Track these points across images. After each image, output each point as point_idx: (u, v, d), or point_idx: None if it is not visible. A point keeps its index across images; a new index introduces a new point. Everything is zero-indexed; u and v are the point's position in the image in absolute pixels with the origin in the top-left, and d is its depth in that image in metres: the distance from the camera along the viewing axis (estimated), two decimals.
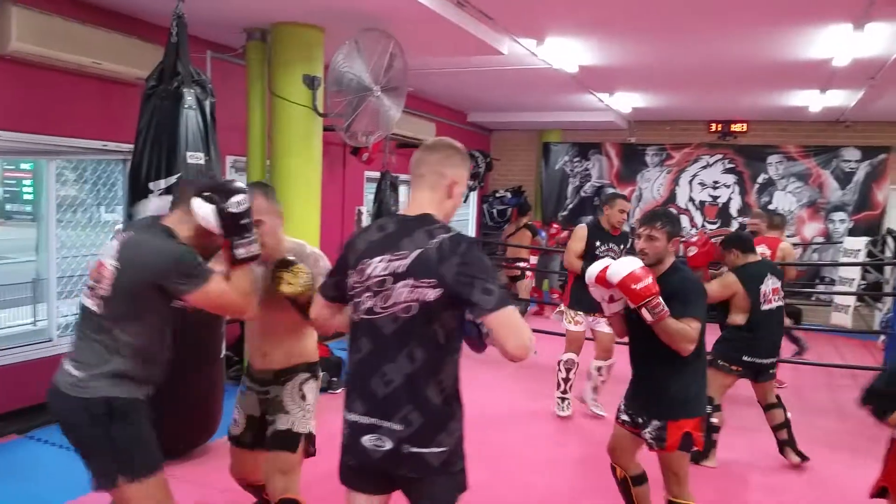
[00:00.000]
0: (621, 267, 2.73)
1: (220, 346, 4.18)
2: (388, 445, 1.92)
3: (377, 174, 7.51)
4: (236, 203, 2.21)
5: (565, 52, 6.11)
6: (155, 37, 4.82)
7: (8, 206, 13.97)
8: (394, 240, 1.96)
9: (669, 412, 2.81)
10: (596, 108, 9.15)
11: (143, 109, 3.89)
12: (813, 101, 8.10)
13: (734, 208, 10.25)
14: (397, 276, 1.92)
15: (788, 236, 9.77)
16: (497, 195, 11.09)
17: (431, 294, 1.88)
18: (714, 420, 4.21)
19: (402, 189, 7.59)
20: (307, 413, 2.76)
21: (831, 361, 7.06)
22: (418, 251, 1.91)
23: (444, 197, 2.05)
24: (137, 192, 3.82)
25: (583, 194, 10.96)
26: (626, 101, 8.86)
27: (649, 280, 2.69)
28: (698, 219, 10.40)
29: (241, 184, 2.32)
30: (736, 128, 10.15)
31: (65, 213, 5.07)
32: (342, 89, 4.84)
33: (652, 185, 10.64)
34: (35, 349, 4.70)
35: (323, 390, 5.37)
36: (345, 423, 2.03)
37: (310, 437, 2.79)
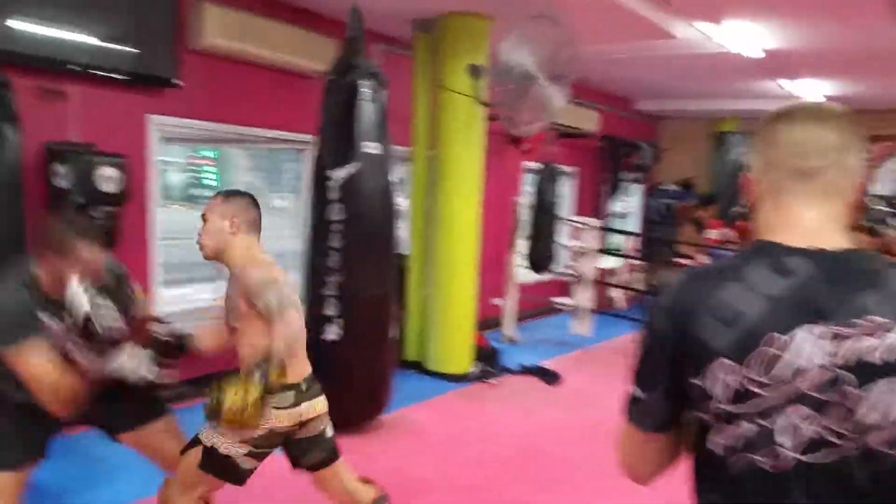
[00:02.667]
0: None
1: (389, 326, 4.30)
2: None
3: (535, 165, 7.41)
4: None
5: (744, 34, 5.67)
6: (330, 30, 5.03)
7: (191, 191, 15.39)
8: (826, 293, 1.00)
9: None
10: (777, 96, 8.45)
11: (325, 102, 4.09)
12: None
13: None
14: (869, 370, 0.96)
15: None
16: (662, 188, 10.59)
17: None
18: None
19: (562, 181, 7.43)
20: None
21: None
22: None
23: (847, 209, 1.09)
24: (319, 181, 4.04)
25: None
26: (813, 89, 8.09)
27: None
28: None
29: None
30: None
31: None
32: (507, 78, 4.80)
33: None
34: None
35: (478, 379, 5.46)
36: None
37: (211, 456, 2.22)
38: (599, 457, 4.09)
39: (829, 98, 8.57)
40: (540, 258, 7.14)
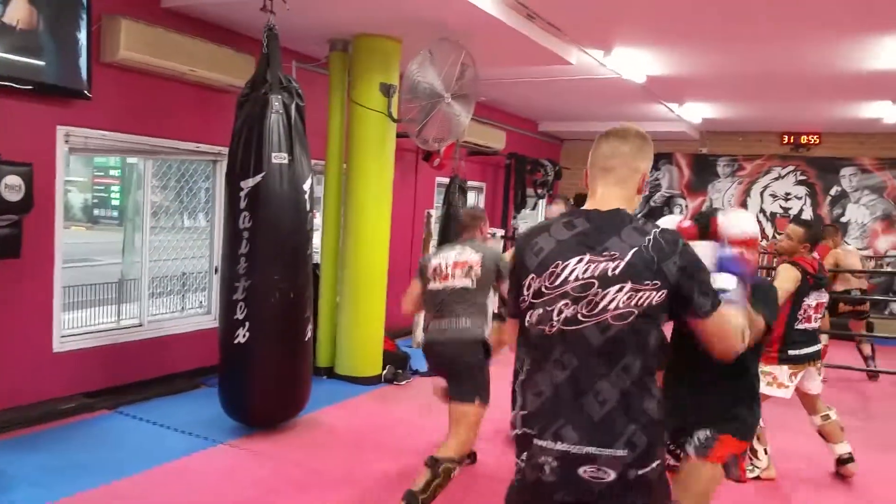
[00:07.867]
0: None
1: (305, 329, 4.44)
2: (612, 476, 1.69)
3: (448, 180, 7.76)
4: None
5: (633, 61, 6.21)
6: (247, 47, 5.22)
7: (96, 212, 14.55)
8: (592, 238, 1.75)
9: (725, 425, 2.52)
10: (666, 119, 9.15)
11: (238, 115, 4.26)
12: (886, 112, 7.92)
13: None
14: (608, 280, 1.70)
15: (861, 249, 9.59)
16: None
17: (656, 297, 1.69)
18: None
19: (471, 195, 7.80)
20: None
21: None
22: (633, 250, 1.70)
23: (634, 192, 1.85)
24: (232, 190, 4.20)
25: (652, 204, 10.93)
26: (696, 112, 8.83)
27: None
28: (769, 230, 10.24)
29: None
30: (808, 139, 10.00)
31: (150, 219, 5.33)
32: (415, 96, 5.10)
33: (723, 195, 10.55)
34: (127, 333, 5.12)
35: (388, 381, 5.70)
36: (542, 453, 1.75)
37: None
38: (495, 450, 4.41)
39: (708, 120, 9.39)
40: None
